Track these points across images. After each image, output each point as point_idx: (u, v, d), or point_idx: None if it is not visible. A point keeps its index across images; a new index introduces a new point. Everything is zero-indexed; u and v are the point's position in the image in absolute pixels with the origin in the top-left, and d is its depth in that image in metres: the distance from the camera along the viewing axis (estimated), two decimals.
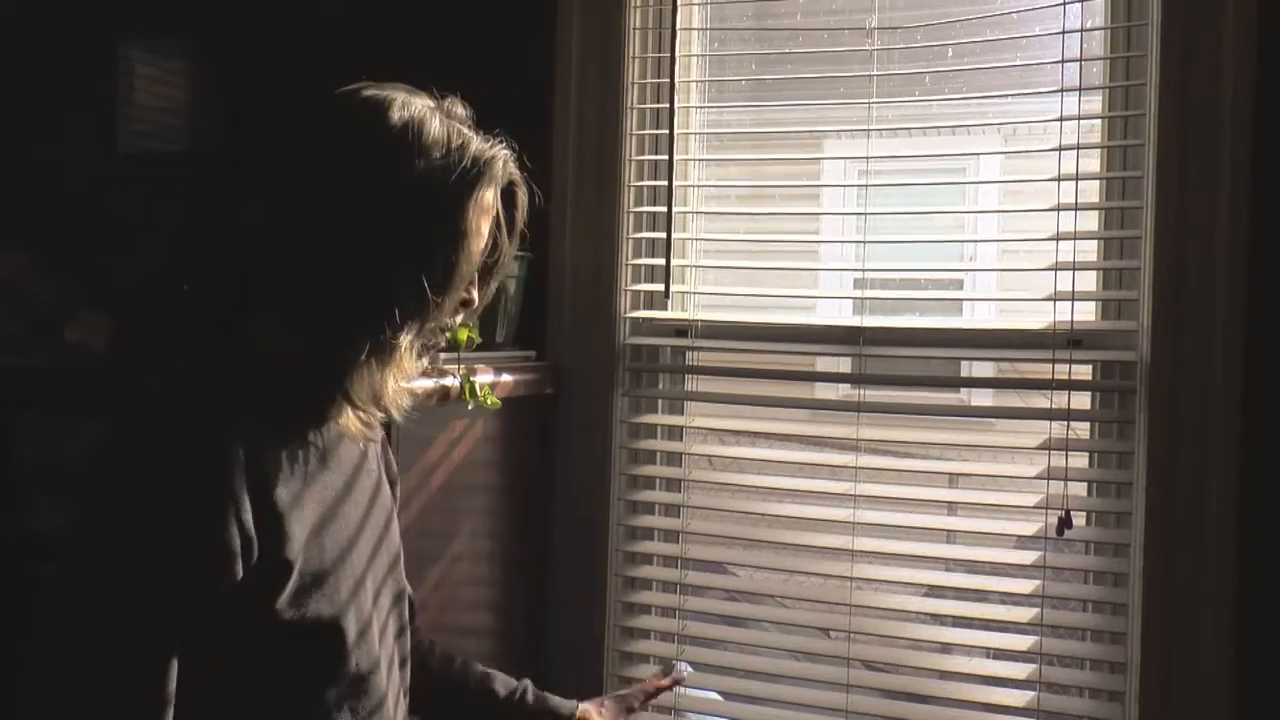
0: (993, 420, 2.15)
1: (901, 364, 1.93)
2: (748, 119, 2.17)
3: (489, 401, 1.72)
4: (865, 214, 1.95)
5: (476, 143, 1.10)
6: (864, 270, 1.94)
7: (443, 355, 1.67)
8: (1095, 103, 1.83)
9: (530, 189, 1.20)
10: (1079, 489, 1.84)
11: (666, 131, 1.99)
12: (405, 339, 1.06)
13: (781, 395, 2.06)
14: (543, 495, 2.02)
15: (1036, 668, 1.82)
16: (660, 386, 2.07)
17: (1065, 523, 1.77)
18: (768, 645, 2.08)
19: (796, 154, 2.30)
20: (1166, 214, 1.72)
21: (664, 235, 1.99)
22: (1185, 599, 1.71)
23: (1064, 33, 1.79)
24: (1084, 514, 1.84)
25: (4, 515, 1.87)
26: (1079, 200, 1.81)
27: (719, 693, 2.09)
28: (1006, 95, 1.90)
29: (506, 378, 1.83)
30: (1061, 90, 1.80)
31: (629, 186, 2.02)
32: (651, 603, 2.05)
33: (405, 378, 1.11)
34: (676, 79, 1.99)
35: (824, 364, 2.19)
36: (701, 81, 2.07)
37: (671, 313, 2.04)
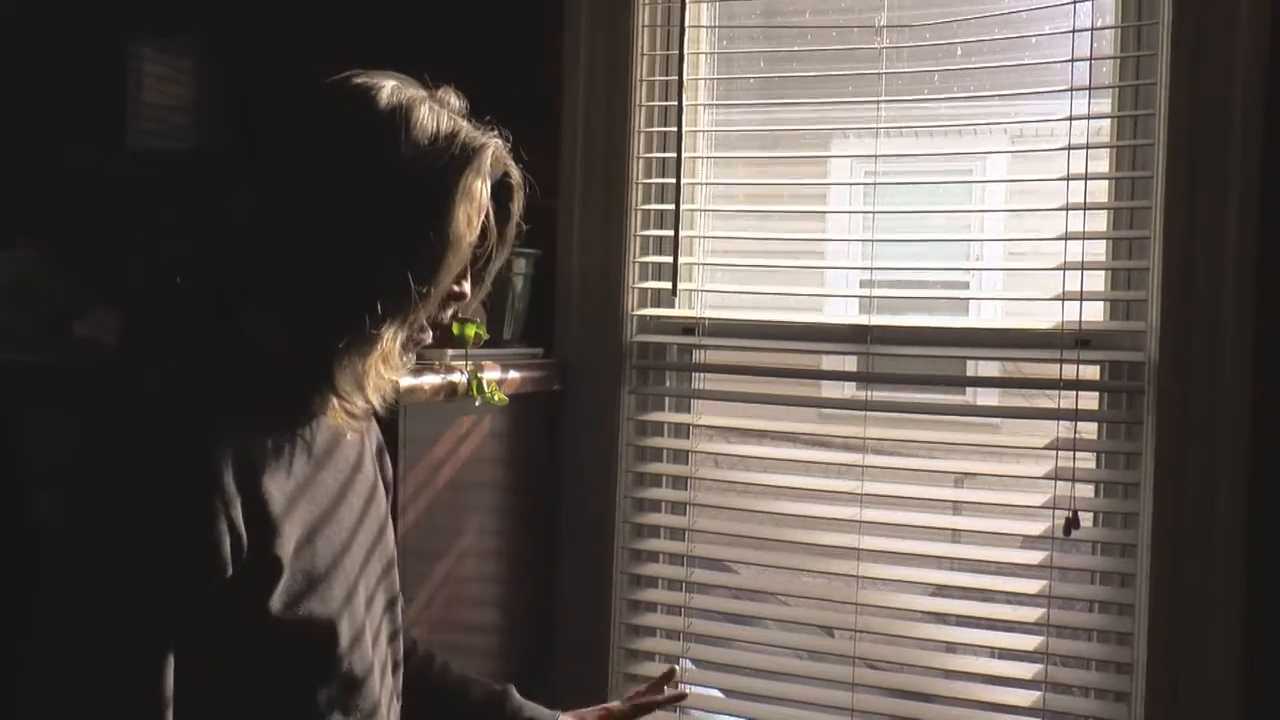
0: (1000, 420, 2.14)
1: (908, 363, 1.92)
2: (756, 118, 2.16)
3: (496, 398, 1.72)
4: (873, 212, 1.95)
5: (467, 130, 1.07)
6: (871, 269, 1.94)
7: (450, 352, 1.68)
8: (1105, 102, 1.82)
9: (528, 182, 1.17)
10: (1086, 490, 1.83)
11: (675, 129, 1.99)
12: (388, 330, 1.04)
13: (788, 394, 2.06)
14: (550, 492, 2.03)
15: (1042, 668, 1.82)
16: (667, 384, 2.07)
17: (1072, 523, 1.77)
18: (773, 644, 2.08)
19: (804, 153, 2.29)
20: (1176, 214, 1.71)
21: (672, 233, 1.99)
22: (1192, 600, 1.70)
23: (1074, 31, 1.79)
24: (1091, 514, 1.83)
25: (12, 511, 1.87)
26: (1088, 200, 1.80)
27: (721, 690, 2.10)
28: (1015, 94, 1.89)
29: (514, 374, 1.83)
30: (1071, 89, 1.79)
31: (637, 184, 2.02)
32: (657, 600, 2.05)
33: (392, 370, 1.08)
34: (685, 76, 1.99)
35: (830, 363, 2.18)
36: (710, 79, 2.07)
37: (679, 310, 2.04)
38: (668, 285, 2.00)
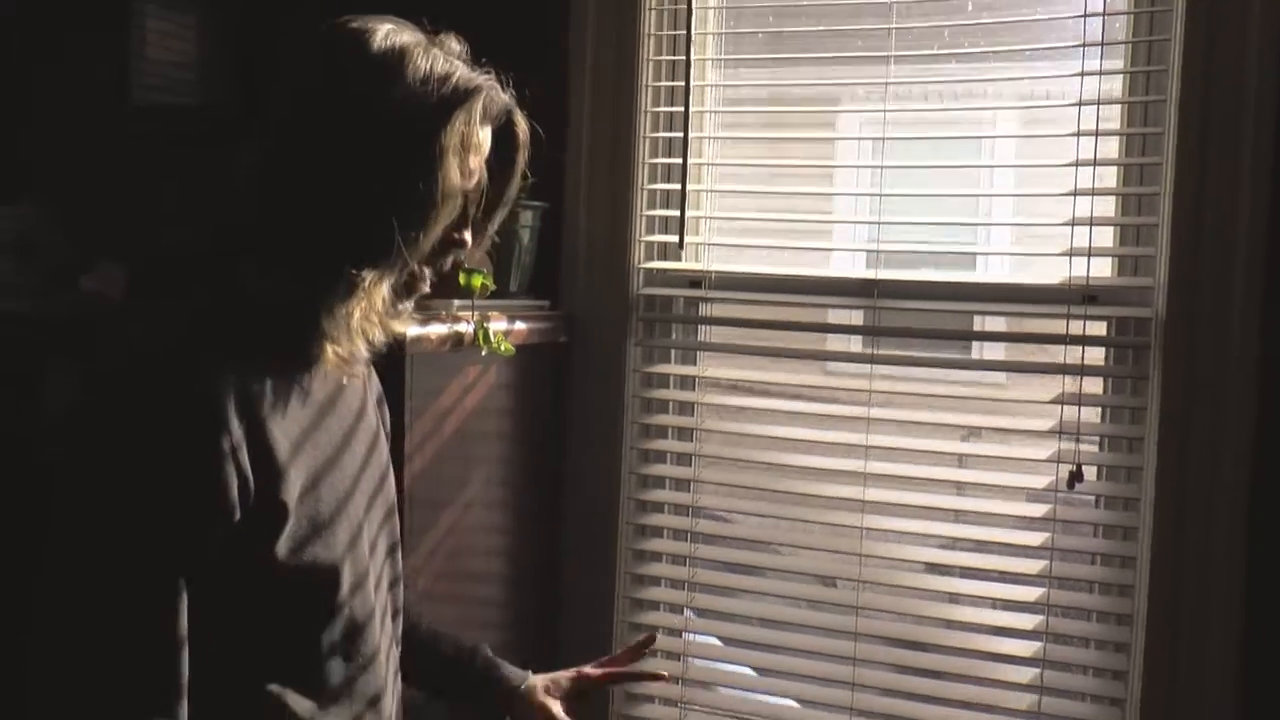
0: (1005, 375, 2.14)
1: (915, 318, 1.92)
2: (764, 74, 2.15)
3: (503, 348, 1.72)
4: (881, 168, 1.94)
5: (462, 72, 1.05)
6: (879, 224, 1.93)
7: (456, 302, 1.68)
8: (1117, 61, 1.81)
9: (534, 131, 1.15)
10: (1091, 445, 1.84)
11: (683, 84, 1.98)
12: (371, 275, 1.03)
13: (794, 347, 2.07)
14: (555, 443, 2.04)
15: (1043, 619, 1.84)
16: (673, 337, 2.07)
17: (1076, 476, 1.77)
18: (778, 594, 2.10)
19: (813, 108, 2.28)
20: (1187, 170, 1.70)
21: (679, 186, 1.98)
22: (1194, 554, 1.71)
23: None
24: (1094, 468, 1.84)
25: (24, 460, 1.89)
26: (1098, 156, 1.79)
27: (719, 639, 2.13)
28: (1026, 49, 1.88)
29: (520, 325, 1.83)
30: (1084, 44, 1.78)
31: (644, 138, 2.01)
32: (663, 550, 2.07)
33: (380, 316, 1.07)
34: (693, 31, 1.96)
35: (837, 316, 2.18)
36: (719, 33, 2.05)
37: (685, 264, 2.04)
38: (674, 238, 2.00)
